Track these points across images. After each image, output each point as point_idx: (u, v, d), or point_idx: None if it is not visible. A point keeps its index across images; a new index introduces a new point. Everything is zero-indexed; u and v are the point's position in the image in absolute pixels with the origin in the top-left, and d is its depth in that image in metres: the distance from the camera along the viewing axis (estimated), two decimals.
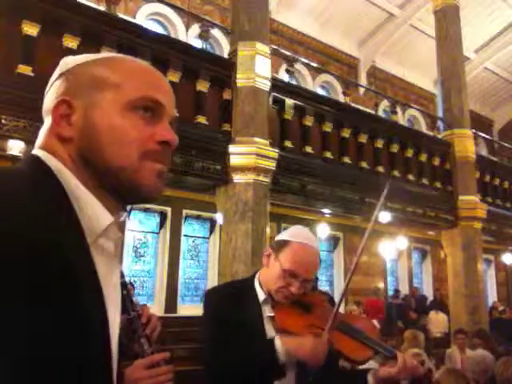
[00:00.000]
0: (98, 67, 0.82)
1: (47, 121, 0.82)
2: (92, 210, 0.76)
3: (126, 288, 1.24)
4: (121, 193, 0.80)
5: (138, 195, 0.81)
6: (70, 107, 0.79)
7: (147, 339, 1.24)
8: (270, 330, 1.71)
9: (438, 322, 9.25)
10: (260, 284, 1.79)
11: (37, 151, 0.79)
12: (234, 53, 5.85)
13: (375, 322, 7.97)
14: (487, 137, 12.94)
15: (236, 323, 1.67)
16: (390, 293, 12.54)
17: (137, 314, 1.25)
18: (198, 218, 10.06)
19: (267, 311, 1.74)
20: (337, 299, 1.87)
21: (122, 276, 1.22)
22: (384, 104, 12.06)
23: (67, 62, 0.85)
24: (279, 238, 1.81)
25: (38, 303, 0.61)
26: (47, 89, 0.85)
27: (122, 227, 0.85)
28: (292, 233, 1.79)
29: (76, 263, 0.68)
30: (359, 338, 1.69)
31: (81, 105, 0.79)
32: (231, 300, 1.75)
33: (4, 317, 0.59)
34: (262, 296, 1.76)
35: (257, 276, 1.83)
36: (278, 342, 1.59)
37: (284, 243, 1.75)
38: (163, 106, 0.83)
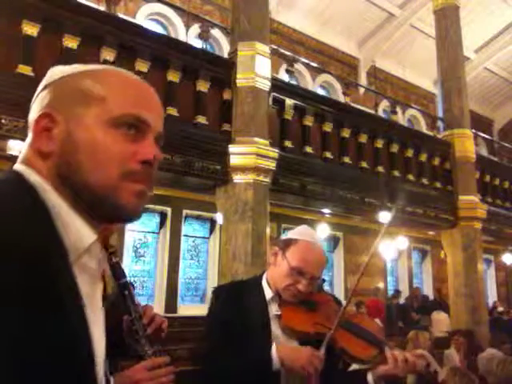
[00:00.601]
0: (84, 80, 0.79)
1: (29, 135, 0.80)
2: (75, 228, 0.74)
3: (128, 288, 1.24)
4: (99, 212, 0.77)
5: (116, 215, 0.78)
6: (52, 121, 0.77)
7: (148, 340, 1.24)
8: (275, 329, 1.72)
9: (440, 322, 9.24)
10: (268, 282, 1.81)
11: (18, 166, 0.77)
12: (234, 53, 5.85)
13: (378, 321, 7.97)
14: (487, 137, 12.95)
15: (239, 323, 1.68)
16: (390, 293, 12.55)
17: (138, 314, 1.25)
18: (198, 218, 10.06)
19: (274, 310, 1.75)
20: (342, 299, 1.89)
21: (124, 276, 1.23)
22: (384, 104, 12.06)
23: (54, 73, 0.82)
24: (285, 237, 1.84)
25: (29, 308, 0.61)
26: (33, 99, 0.83)
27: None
28: (298, 232, 1.82)
29: (59, 282, 0.67)
30: (365, 336, 1.71)
31: (63, 118, 0.77)
32: (237, 299, 1.76)
33: None
34: (269, 294, 1.78)
35: (264, 275, 1.85)
36: (274, 350, 1.60)
37: (291, 241, 1.77)
38: (148, 124, 0.79)
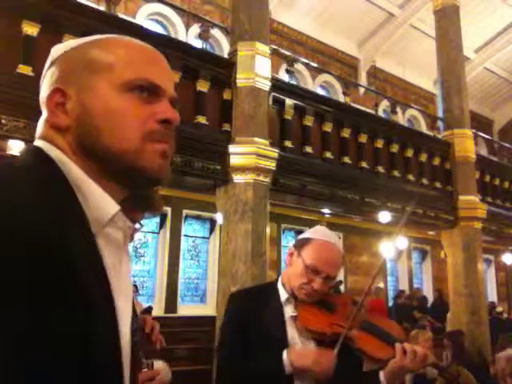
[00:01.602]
0: (90, 50, 0.79)
1: (44, 112, 0.80)
2: (96, 200, 0.73)
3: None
4: (125, 178, 0.77)
5: (143, 178, 0.77)
6: (63, 95, 0.77)
7: (144, 353, 1.24)
8: (292, 331, 1.72)
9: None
10: (283, 284, 1.82)
11: (38, 142, 0.77)
12: (234, 53, 5.85)
13: None
14: (487, 137, 12.95)
15: (255, 327, 1.69)
16: (390, 293, 12.56)
17: (139, 325, 1.24)
18: (198, 217, 10.06)
19: (290, 311, 1.75)
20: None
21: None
22: (384, 104, 12.06)
23: (58, 49, 0.82)
24: (301, 236, 1.85)
25: (36, 303, 0.59)
26: (42, 79, 0.83)
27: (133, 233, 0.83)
28: (314, 231, 1.84)
29: (80, 256, 0.65)
30: (383, 336, 1.71)
31: (75, 91, 0.76)
32: (252, 303, 1.77)
33: (1, 317, 0.57)
34: (284, 296, 1.78)
35: (280, 277, 1.86)
36: (285, 354, 1.61)
37: (306, 241, 1.79)
38: (160, 87, 0.79)
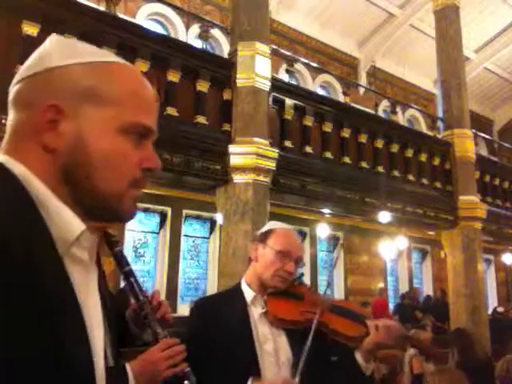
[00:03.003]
0: (96, 76, 0.75)
1: (17, 116, 0.74)
2: (62, 219, 0.71)
3: (133, 274, 1.25)
4: (97, 213, 0.76)
5: (115, 218, 0.79)
6: (58, 113, 0.72)
7: (159, 323, 1.26)
8: (263, 328, 1.72)
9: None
10: (248, 285, 1.82)
11: (0, 156, 0.72)
12: (234, 53, 5.85)
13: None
14: (487, 137, 12.94)
15: (217, 337, 1.67)
16: (390, 293, 12.56)
17: (146, 299, 1.27)
18: (198, 217, 10.06)
19: (259, 309, 1.76)
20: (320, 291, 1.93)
21: (128, 264, 1.25)
22: (384, 104, 12.05)
23: (59, 55, 0.77)
24: (259, 232, 1.91)
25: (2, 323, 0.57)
26: (25, 72, 0.77)
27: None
28: (271, 224, 1.91)
29: (47, 276, 0.64)
30: (351, 316, 1.76)
31: (72, 114, 0.73)
32: (213, 311, 1.77)
33: None
34: (250, 296, 1.79)
35: (243, 280, 1.86)
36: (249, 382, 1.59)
37: (269, 231, 1.85)
38: (152, 131, 0.79)
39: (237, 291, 1.83)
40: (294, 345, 1.69)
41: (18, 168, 0.70)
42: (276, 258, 1.76)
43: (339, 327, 1.71)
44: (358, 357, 1.66)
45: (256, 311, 1.76)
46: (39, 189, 0.70)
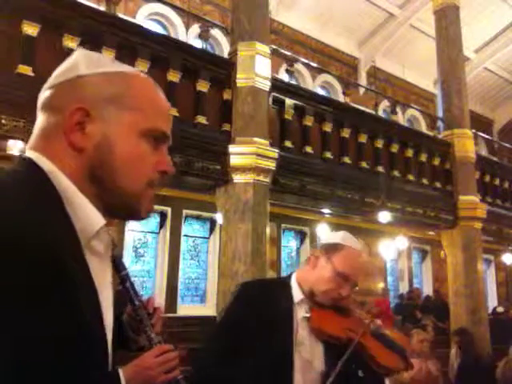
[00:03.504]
0: (120, 84, 0.82)
1: (46, 118, 0.80)
2: (85, 213, 0.76)
3: (130, 280, 1.25)
4: (116, 210, 0.82)
5: (131, 216, 0.85)
6: (86, 116, 0.78)
7: (153, 328, 1.26)
8: (302, 332, 1.71)
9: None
10: (299, 284, 1.79)
11: (31, 153, 0.78)
12: (234, 53, 5.85)
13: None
14: (487, 137, 12.94)
15: (258, 326, 1.66)
16: (390, 293, 12.55)
17: (142, 304, 1.27)
18: (198, 217, 10.06)
19: (303, 312, 1.74)
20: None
21: (125, 268, 1.24)
22: (384, 104, 12.05)
23: (87, 64, 0.82)
24: (329, 241, 1.82)
25: (33, 308, 0.61)
26: (55, 80, 0.82)
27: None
28: (342, 237, 1.80)
29: (72, 266, 0.68)
30: (393, 347, 1.72)
31: (98, 117, 0.79)
32: (263, 298, 1.75)
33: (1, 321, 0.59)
34: (298, 296, 1.76)
35: (294, 276, 1.83)
36: None
37: (338, 246, 1.75)
38: (167, 137, 0.86)
39: (286, 286, 1.80)
40: (329, 357, 1.68)
41: (47, 165, 0.76)
42: (334, 278, 1.70)
43: (377, 354, 1.68)
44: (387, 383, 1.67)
45: (300, 313, 1.74)
46: (66, 185, 0.76)
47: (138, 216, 0.84)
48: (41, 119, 0.81)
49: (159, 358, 1.24)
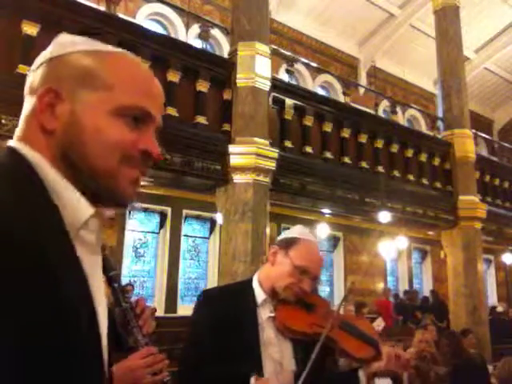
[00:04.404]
0: (94, 61, 0.79)
1: (28, 103, 0.79)
2: (72, 202, 0.74)
3: (117, 281, 1.25)
4: (95, 193, 0.78)
5: (111, 199, 0.79)
6: (56, 97, 0.76)
7: (140, 330, 1.26)
8: (269, 332, 1.69)
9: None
10: (260, 284, 1.77)
11: (14, 143, 0.77)
12: (234, 53, 5.85)
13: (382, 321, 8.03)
14: (487, 137, 12.93)
15: (226, 331, 1.65)
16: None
17: (129, 305, 1.26)
18: (198, 217, 10.06)
19: (267, 312, 1.72)
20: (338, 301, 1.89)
21: (113, 269, 1.24)
22: (384, 104, 12.06)
23: (61, 46, 0.81)
24: (285, 236, 1.81)
25: (12, 296, 0.60)
26: (34, 66, 0.81)
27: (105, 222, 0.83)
28: (297, 231, 1.80)
29: (58, 256, 0.67)
30: (362, 336, 1.71)
31: (69, 98, 0.76)
32: (223, 305, 1.73)
33: None
34: (260, 297, 1.74)
35: (255, 277, 1.81)
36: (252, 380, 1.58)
37: (293, 240, 1.75)
38: (151, 117, 0.81)
39: (247, 288, 1.78)
40: (298, 354, 1.67)
41: (30, 154, 0.74)
42: (294, 272, 1.69)
43: (347, 347, 1.67)
44: (362, 375, 1.65)
45: (264, 313, 1.72)
46: (50, 174, 0.74)
47: (120, 199, 0.79)
48: (23, 106, 0.81)
49: (146, 359, 1.24)
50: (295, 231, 1.81)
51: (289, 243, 1.75)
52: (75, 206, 0.74)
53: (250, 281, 1.81)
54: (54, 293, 0.65)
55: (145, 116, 0.80)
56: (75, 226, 0.73)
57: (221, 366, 1.61)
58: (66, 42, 0.82)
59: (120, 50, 0.85)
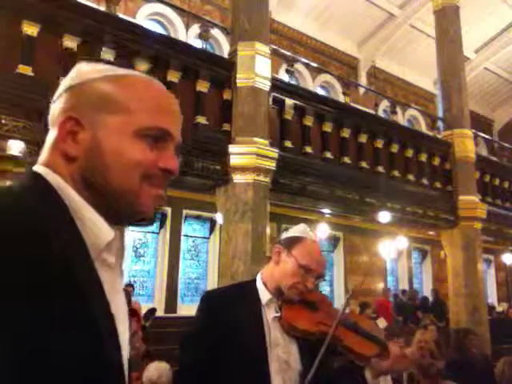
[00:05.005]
0: (111, 86, 0.81)
1: (52, 133, 0.81)
2: (94, 226, 0.76)
3: None
4: (118, 215, 0.80)
5: (134, 219, 0.82)
6: (77, 124, 0.78)
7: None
8: (275, 332, 1.69)
9: None
10: (264, 284, 1.77)
11: (37, 167, 0.79)
12: (234, 53, 5.85)
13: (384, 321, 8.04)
14: (487, 137, 12.93)
15: (230, 335, 1.64)
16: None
17: None
18: (198, 217, 10.06)
19: (272, 312, 1.72)
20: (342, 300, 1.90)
21: None
22: (384, 104, 12.05)
23: (80, 74, 0.83)
24: (288, 235, 1.82)
25: (39, 318, 0.62)
26: (55, 97, 0.84)
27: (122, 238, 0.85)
28: (300, 230, 1.81)
29: (82, 278, 0.69)
30: (367, 335, 1.72)
31: (89, 124, 0.79)
32: (227, 307, 1.72)
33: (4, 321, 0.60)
34: (265, 297, 1.74)
35: (258, 277, 1.81)
36: None
37: (296, 239, 1.76)
38: (171, 135, 0.84)
39: (251, 288, 1.78)
40: (304, 353, 1.67)
41: (53, 178, 0.77)
42: (298, 271, 1.70)
43: (352, 344, 1.68)
44: (368, 374, 1.65)
45: (269, 313, 1.72)
46: (73, 197, 0.76)
47: (142, 214, 0.81)
48: (48, 135, 0.83)
49: None
50: (298, 230, 1.81)
51: (292, 242, 1.76)
52: (98, 229, 0.76)
53: (253, 281, 1.81)
54: (82, 312, 0.67)
55: (165, 135, 0.82)
56: (97, 248, 0.76)
57: (228, 368, 1.61)
58: (84, 70, 0.84)
59: (135, 72, 0.87)
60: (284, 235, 1.85)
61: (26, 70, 4.38)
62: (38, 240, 0.65)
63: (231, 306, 1.72)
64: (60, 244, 0.68)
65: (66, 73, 0.85)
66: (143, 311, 7.43)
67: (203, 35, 6.37)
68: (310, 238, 1.77)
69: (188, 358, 1.72)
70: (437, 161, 8.23)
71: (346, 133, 6.97)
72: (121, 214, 0.80)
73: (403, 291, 11.67)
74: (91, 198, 0.77)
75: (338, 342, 1.66)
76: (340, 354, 1.70)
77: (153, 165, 0.79)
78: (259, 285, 1.78)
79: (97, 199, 0.78)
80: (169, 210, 9.45)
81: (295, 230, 1.83)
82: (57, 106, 0.82)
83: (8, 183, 0.78)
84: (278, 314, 1.71)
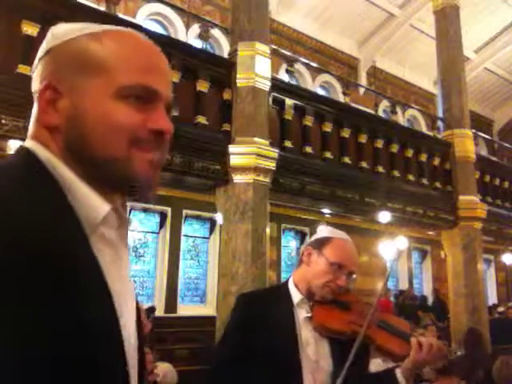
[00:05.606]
0: (87, 45, 0.75)
1: (35, 105, 0.77)
2: (87, 201, 0.71)
3: None
4: (113, 184, 0.75)
5: (129, 185, 0.75)
6: (55, 92, 0.73)
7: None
8: (306, 332, 1.71)
9: None
10: (296, 285, 1.80)
11: (27, 142, 0.75)
12: (234, 53, 5.85)
13: None
14: (487, 137, 12.93)
15: (263, 335, 1.67)
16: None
17: None
18: (198, 217, 10.06)
19: (304, 312, 1.74)
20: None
21: None
22: (384, 104, 12.05)
23: (55, 36, 0.77)
24: (317, 237, 1.86)
25: (31, 303, 0.59)
26: (34, 66, 0.79)
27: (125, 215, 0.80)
28: (330, 231, 1.87)
29: (75, 257, 0.66)
30: (397, 333, 1.72)
31: (68, 90, 0.73)
32: (261, 308, 1.75)
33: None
34: (297, 297, 1.77)
35: (291, 279, 1.84)
36: None
37: (326, 240, 1.80)
38: (158, 93, 0.76)
39: (284, 290, 1.81)
40: (336, 353, 1.69)
41: (43, 153, 0.73)
42: (329, 269, 1.72)
43: (385, 343, 1.68)
44: (399, 374, 1.64)
45: (301, 314, 1.74)
46: (63, 172, 0.72)
47: (137, 182, 0.74)
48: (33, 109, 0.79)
49: None
50: (326, 231, 1.87)
51: (322, 243, 1.80)
52: (91, 203, 0.72)
53: (286, 283, 1.85)
54: (72, 303, 0.63)
55: (150, 94, 0.75)
56: (93, 223, 0.71)
57: (260, 366, 1.63)
58: (59, 32, 0.78)
59: (119, 27, 0.80)
60: (312, 238, 1.89)
61: (26, 70, 4.38)
62: (29, 228, 0.62)
63: (265, 305, 1.76)
64: (49, 225, 0.64)
65: None
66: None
67: (203, 35, 6.37)
68: (340, 237, 1.81)
69: (224, 353, 1.75)
70: (437, 161, 8.23)
71: (345, 133, 6.97)
72: (116, 181, 0.74)
73: (400, 292, 11.68)
74: (81, 170, 0.73)
75: (370, 340, 1.68)
76: (370, 352, 1.71)
77: (141, 127, 0.73)
78: (291, 286, 1.81)
79: (87, 171, 0.73)
80: (169, 210, 9.46)
81: (322, 231, 1.87)
82: (35, 75, 0.77)
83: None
84: (310, 315, 1.73)
